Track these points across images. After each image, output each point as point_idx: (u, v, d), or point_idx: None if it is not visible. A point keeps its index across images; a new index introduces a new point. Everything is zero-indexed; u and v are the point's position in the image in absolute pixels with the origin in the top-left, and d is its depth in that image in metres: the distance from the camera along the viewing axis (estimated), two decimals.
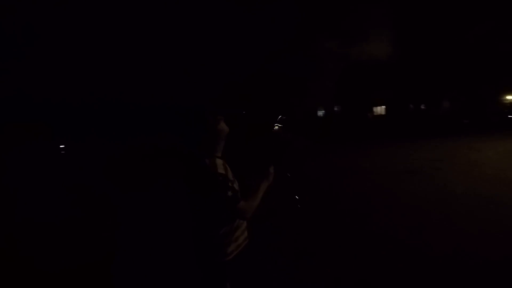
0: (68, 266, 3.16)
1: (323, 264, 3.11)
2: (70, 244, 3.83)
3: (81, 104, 24.44)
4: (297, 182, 2.01)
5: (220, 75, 27.04)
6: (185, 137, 1.64)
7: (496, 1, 20.73)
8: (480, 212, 4.35)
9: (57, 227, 4.43)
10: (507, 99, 25.77)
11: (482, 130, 17.01)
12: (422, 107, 27.78)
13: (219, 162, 1.59)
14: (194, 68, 26.40)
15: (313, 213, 4.78)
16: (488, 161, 8.29)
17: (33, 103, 22.72)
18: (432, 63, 23.62)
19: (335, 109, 30.04)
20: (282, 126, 2.19)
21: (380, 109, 29.78)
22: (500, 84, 23.77)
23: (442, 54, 23.11)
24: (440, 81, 24.36)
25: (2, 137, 16.96)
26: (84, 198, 6.05)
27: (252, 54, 26.70)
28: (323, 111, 30.51)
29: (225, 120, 1.71)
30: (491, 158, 8.71)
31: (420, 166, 8.14)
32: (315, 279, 2.87)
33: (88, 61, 24.62)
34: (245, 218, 1.64)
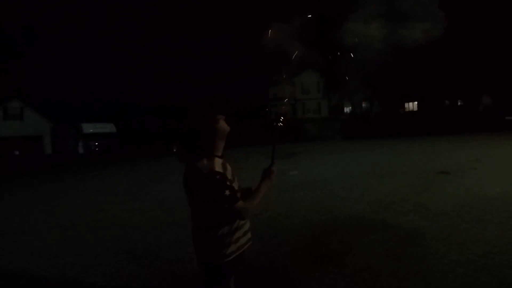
0: None
1: (343, 266, 2.85)
2: None
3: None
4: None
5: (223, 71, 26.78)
6: (183, 136, 1.59)
7: None
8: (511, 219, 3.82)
9: None
10: None
11: None
12: (459, 103, 25.93)
13: (217, 161, 1.54)
14: (194, 66, 26.29)
15: (338, 213, 4.47)
16: None
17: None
18: (471, 55, 21.92)
19: (363, 105, 28.91)
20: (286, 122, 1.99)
21: (412, 105, 28.24)
22: None
23: (482, 46, 21.36)
24: (480, 75, 22.54)
25: None
26: None
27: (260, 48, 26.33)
28: (350, 107, 29.50)
29: (227, 119, 1.63)
30: None
31: (455, 166, 7.47)
32: (330, 279, 2.62)
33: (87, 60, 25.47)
34: (243, 218, 1.57)
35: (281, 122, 1.93)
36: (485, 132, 14.08)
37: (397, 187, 5.91)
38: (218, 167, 1.48)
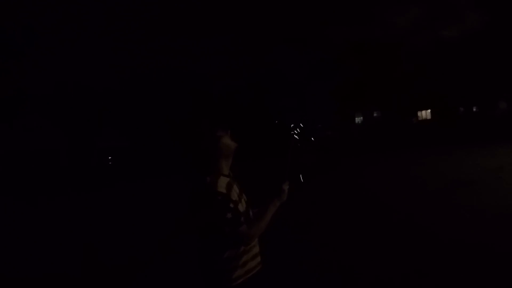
0: None
1: (371, 279, 2.72)
2: None
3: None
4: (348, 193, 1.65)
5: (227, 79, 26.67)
6: (186, 154, 1.47)
7: None
8: None
9: None
10: None
11: None
12: (475, 109, 25.36)
13: (222, 180, 1.40)
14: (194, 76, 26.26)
15: (360, 226, 4.35)
16: None
17: None
18: (485, 60, 21.56)
19: (375, 114, 28.59)
20: (303, 135, 1.75)
21: (425, 113, 27.76)
22: None
23: (497, 50, 21.01)
24: (495, 80, 22.08)
25: None
26: None
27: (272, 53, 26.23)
28: (361, 117, 29.20)
29: (232, 134, 1.47)
30: None
31: (477, 176, 7.22)
32: None
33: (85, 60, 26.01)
34: (246, 244, 1.42)
35: (298, 131, 1.70)
36: (503, 139, 13.66)
37: None
38: (221, 187, 1.36)
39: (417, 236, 3.90)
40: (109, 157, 23.75)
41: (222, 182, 1.39)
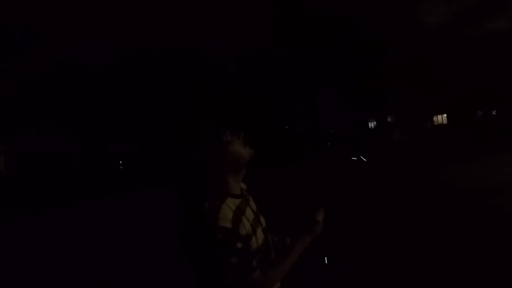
0: None
1: None
2: None
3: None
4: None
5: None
6: (178, 166, 0.98)
7: None
8: None
9: None
10: None
11: None
12: (494, 113, 24.44)
13: (228, 205, 0.93)
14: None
15: (384, 240, 3.97)
16: None
17: None
18: (505, 62, 20.78)
19: (389, 119, 27.92)
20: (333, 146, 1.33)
21: (441, 118, 26.94)
22: None
23: None
24: None
25: None
26: None
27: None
28: (375, 122, 28.57)
29: (247, 138, 1.01)
30: None
31: (506, 183, 6.73)
32: None
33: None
34: None
35: (331, 147, 1.27)
36: None
37: None
38: (224, 218, 0.89)
39: (465, 247, 3.49)
40: (120, 162, 23.84)
41: (228, 209, 0.93)
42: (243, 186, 1.09)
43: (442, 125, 26.49)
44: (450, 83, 22.67)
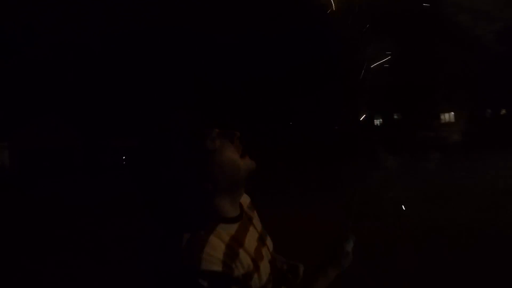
0: None
1: None
2: None
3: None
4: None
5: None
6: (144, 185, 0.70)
7: None
8: None
9: None
10: None
11: None
12: (504, 111, 24.01)
13: (214, 241, 0.65)
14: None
15: (400, 245, 3.76)
16: None
17: None
18: None
19: (395, 116, 27.57)
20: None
21: (448, 116, 26.54)
22: None
23: None
24: None
25: None
26: None
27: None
28: (380, 120, 28.21)
29: (243, 142, 0.73)
30: None
31: None
32: None
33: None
34: None
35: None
36: None
37: None
38: (211, 259, 0.62)
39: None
40: (123, 157, 23.75)
41: (217, 242, 0.65)
42: (245, 199, 0.84)
43: (449, 123, 26.12)
44: (458, 80, 22.25)
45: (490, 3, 21.00)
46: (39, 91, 26.39)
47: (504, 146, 13.32)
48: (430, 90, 23.43)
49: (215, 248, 0.63)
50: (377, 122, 28.32)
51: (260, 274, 0.71)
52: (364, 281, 3.00)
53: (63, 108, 25.96)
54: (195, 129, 0.68)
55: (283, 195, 7.57)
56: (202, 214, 0.68)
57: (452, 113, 26.36)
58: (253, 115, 24.62)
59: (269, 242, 0.83)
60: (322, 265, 0.86)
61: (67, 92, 27.21)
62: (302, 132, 25.73)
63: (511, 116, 22.65)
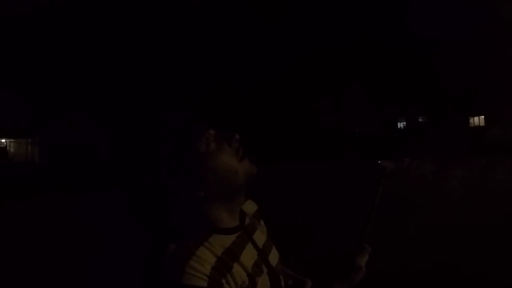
0: None
1: None
2: None
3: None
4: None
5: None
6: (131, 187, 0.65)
7: None
8: None
9: None
10: None
11: None
12: None
13: (203, 253, 0.59)
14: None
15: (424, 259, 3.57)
16: None
17: None
18: None
19: (420, 119, 26.57)
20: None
21: (478, 120, 25.25)
22: None
23: None
24: None
25: None
26: None
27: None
28: (405, 122, 27.28)
29: (247, 144, 0.67)
30: None
31: None
32: None
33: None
34: None
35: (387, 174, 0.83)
36: None
37: None
38: (194, 273, 0.56)
39: None
40: None
41: (207, 255, 0.59)
42: (252, 207, 0.78)
43: (479, 127, 24.85)
44: (488, 82, 21.12)
45: None
46: (67, 90, 27.62)
47: None
48: (460, 92, 22.41)
49: (202, 261, 0.57)
50: (400, 125, 27.42)
51: (262, 284, 0.65)
52: None
53: (89, 107, 27.04)
54: (185, 129, 0.61)
55: (293, 201, 7.45)
56: (193, 223, 0.63)
57: (482, 116, 25.08)
58: (269, 117, 24.50)
59: (273, 255, 0.75)
60: (330, 280, 0.76)
61: (93, 91, 28.28)
62: (322, 134, 25.35)
63: None
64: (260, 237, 0.75)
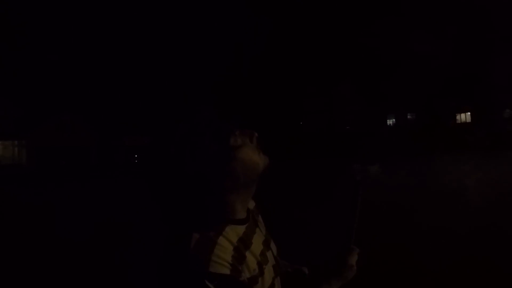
0: None
1: None
2: None
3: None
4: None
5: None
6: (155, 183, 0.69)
7: None
8: None
9: None
10: None
11: None
12: None
13: (223, 243, 0.64)
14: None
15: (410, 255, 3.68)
16: None
17: None
18: None
19: (409, 116, 27.01)
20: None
21: (464, 116, 25.82)
22: None
23: None
24: None
25: None
26: None
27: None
28: (394, 120, 27.69)
29: (261, 141, 0.73)
30: None
31: None
32: None
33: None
34: None
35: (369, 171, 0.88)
36: None
37: None
38: (219, 261, 0.61)
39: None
40: (135, 155, 24.20)
41: (226, 244, 0.64)
42: (251, 203, 0.82)
43: (465, 123, 25.41)
44: (475, 80, 21.62)
45: None
46: (56, 90, 27.13)
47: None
48: (447, 89, 22.85)
49: (225, 250, 0.62)
50: (390, 122, 27.83)
51: (265, 278, 0.70)
52: None
53: (79, 108, 26.61)
54: (221, 125, 0.68)
55: (288, 199, 7.54)
56: (213, 213, 0.67)
57: (469, 113, 25.65)
58: (262, 113, 24.56)
59: (273, 246, 0.82)
60: (326, 275, 0.84)
61: (82, 92, 27.85)
62: (312, 132, 25.55)
63: None
64: (262, 228, 0.82)
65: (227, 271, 0.60)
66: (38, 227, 6.04)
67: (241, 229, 0.70)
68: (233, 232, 0.67)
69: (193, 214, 0.66)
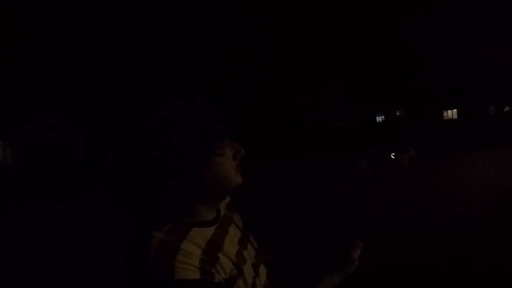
0: None
1: None
2: None
3: None
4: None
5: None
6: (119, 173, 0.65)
7: None
8: None
9: None
10: None
11: None
12: (507, 109, 23.82)
13: (187, 247, 0.60)
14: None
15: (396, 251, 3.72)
16: None
17: None
18: None
19: (397, 113, 27.42)
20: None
21: (451, 113, 26.35)
22: None
23: None
24: None
25: None
26: None
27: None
28: (383, 116, 28.05)
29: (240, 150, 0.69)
30: None
31: None
32: None
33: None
34: None
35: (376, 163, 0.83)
36: None
37: None
38: (185, 267, 0.57)
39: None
40: None
41: (191, 248, 0.60)
42: (225, 199, 0.78)
43: (452, 120, 25.94)
44: (461, 77, 22.08)
45: None
46: (41, 89, 26.47)
47: (507, 143, 13.21)
48: (434, 87, 23.26)
49: (189, 255, 0.58)
50: (379, 119, 28.19)
51: (245, 278, 0.67)
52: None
53: (65, 106, 26.03)
54: (216, 126, 0.63)
55: (288, 196, 7.55)
56: (174, 214, 0.63)
57: (455, 110, 26.19)
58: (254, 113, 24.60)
59: (253, 242, 0.78)
60: (328, 269, 0.82)
61: (69, 90, 27.25)
62: (305, 129, 25.68)
63: None
64: (237, 226, 0.77)
65: (196, 276, 0.56)
66: (25, 232, 5.89)
67: (209, 231, 0.66)
68: (200, 235, 0.63)
69: (149, 205, 0.62)
